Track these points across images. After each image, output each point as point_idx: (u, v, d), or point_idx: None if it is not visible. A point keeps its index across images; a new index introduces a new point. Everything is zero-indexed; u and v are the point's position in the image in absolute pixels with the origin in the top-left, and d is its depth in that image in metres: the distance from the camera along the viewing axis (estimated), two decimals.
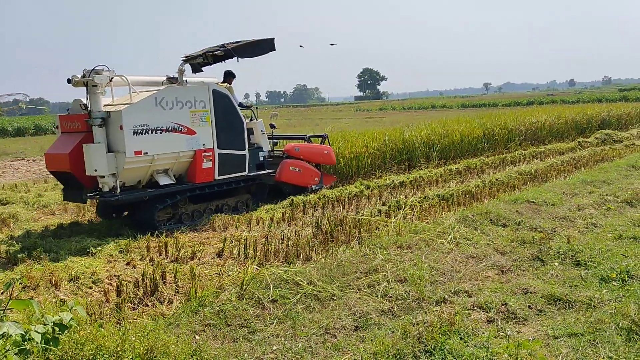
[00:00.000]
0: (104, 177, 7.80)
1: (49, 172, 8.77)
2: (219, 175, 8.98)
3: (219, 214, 8.68)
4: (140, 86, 8.74)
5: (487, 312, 4.75)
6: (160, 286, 5.50)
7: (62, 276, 5.80)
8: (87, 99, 7.92)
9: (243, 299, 5.03)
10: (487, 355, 3.83)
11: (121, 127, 7.71)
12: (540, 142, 18.34)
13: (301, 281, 5.34)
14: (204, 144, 8.70)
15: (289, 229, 7.81)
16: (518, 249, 6.52)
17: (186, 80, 8.87)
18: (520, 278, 5.61)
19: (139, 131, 7.87)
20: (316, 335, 4.42)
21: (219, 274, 5.95)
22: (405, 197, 9.83)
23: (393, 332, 4.40)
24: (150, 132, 8.00)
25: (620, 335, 4.04)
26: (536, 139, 18.49)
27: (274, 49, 9.78)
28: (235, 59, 9.27)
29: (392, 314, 4.80)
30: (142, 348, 3.60)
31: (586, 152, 15.42)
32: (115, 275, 6.02)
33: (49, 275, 5.77)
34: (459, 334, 4.22)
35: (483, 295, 5.13)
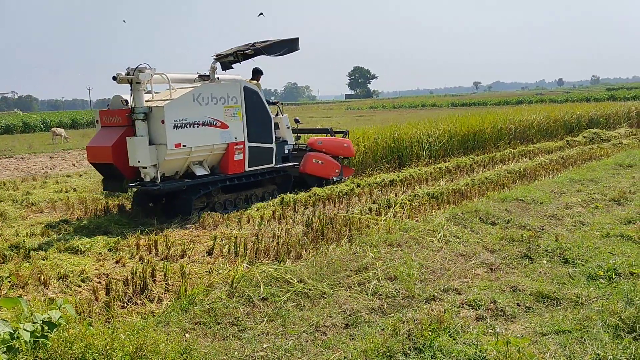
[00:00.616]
0: (146, 167, 8.39)
1: (90, 164, 9.27)
2: (248, 167, 9.63)
3: (209, 212, 8.67)
4: (174, 83, 9.23)
5: (476, 310, 4.78)
6: (150, 284, 5.48)
7: (51, 274, 5.76)
8: (130, 95, 8.54)
9: (233, 297, 5.02)
10: (476, 352, 3.85)
11: (163, 122, 8.30)
12: (529, 141, 18.47)
13: (291, 279, 5.34)
14: (235, 138, 9.32)
15: (279, 227, 7.81)
16: (507, 247, 6.56)
17: (218, 77, 9.63)
18: (509, 276, 5.65)
19: (178, 125, 8.48)
20: (306, 333, 4.43)
21: (210, 272, 5.93)
22: (396, 195, 9.86)
23: (383, 329, 4.42)
24: (188, 126, 8.63)
25: (608, 332, 4.08)
26: (525, 137, 18.62)
27: (298, 48, 10.52)
28: (252, 57, 10.01)
29: (382, 312, 4.81)
30: (131, 346, 3.59)
31: (574, 151, 15.55)
32: (104, 274, 5.99)
33: (38, 274, 5.74)
34: (449, 332, 4.25)
35: (472, 292, 5.17)
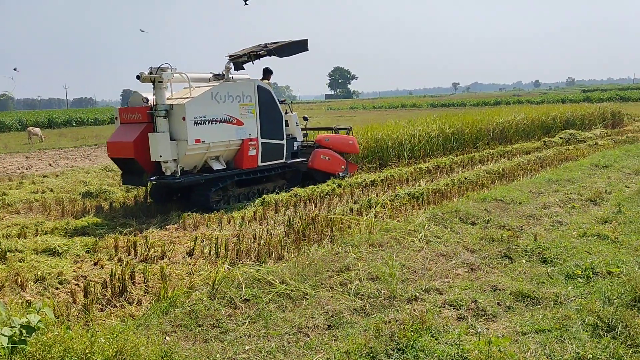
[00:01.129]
0: (167, 162, 8.94)
1: (111, 159, 9.93)
2: (261, 162, 10.19)
3: (189, 212, 8.61)
4: (180, 82, 9.72)
5: (458, 310, 4.81)
6: (129, 287, 5.41)
7: (28, 276, 5.64)
8: (153, 93, 9.02)
9: (215, 298, 4.98)
10: (458, 352, 3.88)
11: (184, 118, 8.84)
12: (508, 142, 18.69)
13: (273, 280, 5.31)
14: (250, 134, 9.89)
15: (260, 228, 7.77)
16: (487, 247, 6.62)
17: (232, 77, 10.20)
18: (490, 275, 5.70)
19: (198, 122, 9.01)
20: (289, 335, 4.41)
21: (190, 274, 5.88)
22: (377, 195, 9.89)
23: (365, 330, 4.42)
24: (207, 122, 9.17)
25: (587, 331, 4.14)
26: (504, 138, 18.83)
27: (307, 49, 11.17)
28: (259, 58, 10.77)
29: (365, 312, 4.82)
30: (111, 350, 3.52)
31: (551, 152, 15.77)
32: (82, 276, 5.89)
33: (15, 276, 5.61)
34: (431, 332, 4.27)
35: (453, 292, 5.20)
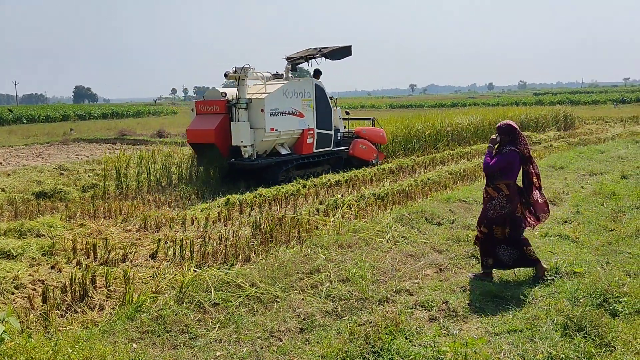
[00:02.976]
0: (246, 146, 10.89)
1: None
2: (315, 149, 12.23)
3: (149, 212, 8.36)
4: (250, 80, 11.49)
5: (429, 311, 4.81)
6: (90, 291, 5.17)
7: None
8: (237, 89, 10.94)
9: (182, 303, 4.81)
10: (433, 354, 3.86)
11: (262, 110, 10.78)
12: (466, 143, 19.02)
13: (243, 283, 5.19)
14: (308, 125, 11.93)
15: (225, 229, 7.60)
16: (454, 247, 6.67)
17: (292, 76, 12.35)
18: (458, 276, 5.74)
19: (273, 113, 10.99)
20: (261, 339, 4.30)
21: (155, 277, 5.68)
22: (342, 195, 9.86)
23: (339, 333, 4.36)
24: (279, 114, 11.15)
25: (557, 330, 4.20)
26: (462, 139, 19.15)
27: (351, 54, 13.26)
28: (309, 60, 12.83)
29: (337, 315, 4.76)
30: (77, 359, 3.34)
31: None
32: (39, 280, 5.59)
33: None
34: (404, 334, 4.24)
35: (424, 293, 5.21)
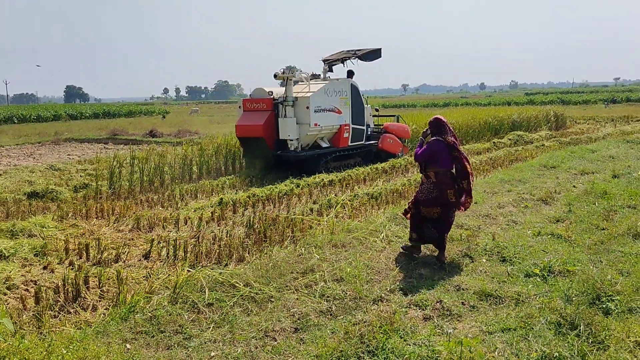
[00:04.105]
0: (292, 140, 12.24)
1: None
2: (350, 143, 13.61)
3: (142, 212, 8.32)
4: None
5: (424, 310, 4.82)
6: (83, 292, 5.15)
7: None
8: (285, 88, 12.31)
9: (177, 303, 4.80)
10: (428, 353, 3.87)
11: (307, 107, 12.20)
12: (460, 142, 19.04)
13: (237, 283, 5.18)
14: (345, 121, 13.31)
15: (219, 229, 7.58)
16: (447, 247, 6.67)
17: (329, 75, 14.09)
18: (452, 275, 5.75)
19: (317, 110, 12.42)
20: (255, 339, 4.29)
21: (148, 277, 5.66)
22: (336, 195, 9.86)
23: (333, 332, 4.36)
24: (321, 111, 12.58)
25: (550, 329, 4.22)
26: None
27: (381, 56, 14.79)
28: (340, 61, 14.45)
29: (331, 314, 4.75)
30: None
31: (501, 152, 16.19)
32: (32, 281, 5.56)
33: None
34: (399, 333, 4.24)
35: (418, 292, 5.21)
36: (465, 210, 6.47)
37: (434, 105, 60.52)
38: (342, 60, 14.30)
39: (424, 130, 6.39)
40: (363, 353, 3.93)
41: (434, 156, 6.09)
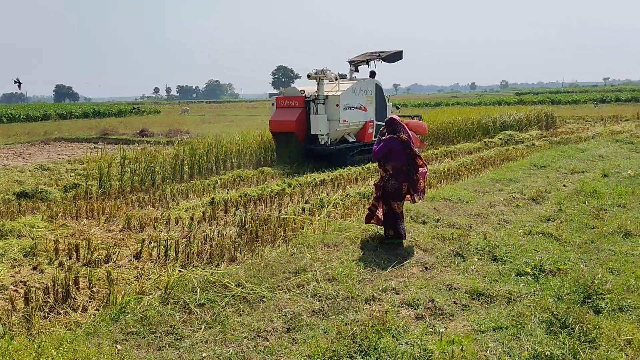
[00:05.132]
0: (323, 135, 13.54)
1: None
2: (374, 137, 14.00)
3: (132, 212, 8.27)
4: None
5: (416, 309, 4.82)
6: (73, 292, 5.10)
7: None
8: (317, 87, 13.60)
9: (168, 303, 4.77)
10: (420, 352, 3.87)
11: (337, 105, 13.48)
12: (450, 142, 19.14)
13: (229, 283, 5.15)
14: (370, 117, 14.54)
15: (211, 229, 7.55)
16: (439, 246, 6.70)
17: (355, 76, 15.50)
18: (444, 274, 5.77)
19: (346, 107, 13.66)
20: (247, 339, 4.28)
21: (139, 278, 5.62)
22: (327, 195, 9.85)
23: (326, 332, 4.35)
24: (350, 108, 13.82)
25: (542, 327, 4.24)
26: (446, 138, 19.27)
27: (402, 58, 16.07)
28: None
29: (323, 314, 4.75)
30: None
31: (492, 152, 16.27)
32: (21, 281, 5.51)
33: None
34: (391, 332, 4.25)
35: (410, 292, 5.22)
36: (415, 202, 7.06)
37: (425, 104, 60.65)
38: (367, 62, 15.57)
39: (381, 129, 7.03)
40: (355, 353, 3.93)
41: (390, 152, 6.70)
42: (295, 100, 13.96)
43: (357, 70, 15.59)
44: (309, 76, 13.40)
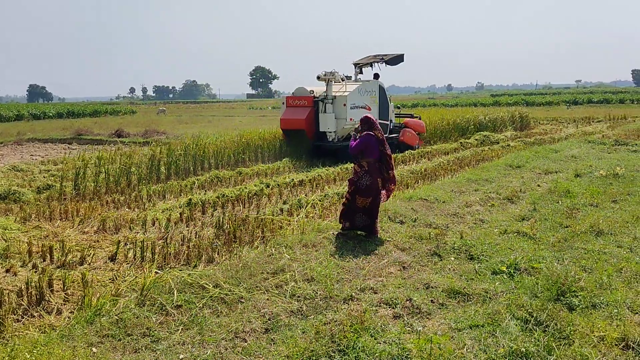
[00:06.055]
0: (331, 132, 14.60)
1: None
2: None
3: (107, 213, 8.15)
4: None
5: (394, 308, 4.85)
6: (47, 295, 5.01)
7: None
8: (326, 88, 14.71)
9: (144, 305, 4.71)
10: (399, 351, 3.89)
11: (344, 104, 14.55)
12: (427, 143, 19.29)
13: (207, 284, 5.12)
14: (373, 116, 13.84)
15: (188, 230, 7.49)
16: (416, 245, 6.75)
17: (359, 77, 16.58)
18: (421, 273, 5.81)
19: (352, 107, 14.69)
20: (225, 341, 4.25)
21: (114, 280, 5.55)
22: (306, 195, 9.85)
23: (304, 332, 4.35)
24: (355, 108, 14.81)
25: (517, 325, 4.30)
26: (423, 139, 19.41)
27: (404, 61, 17.16)
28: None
29: (302, 314, 4.74)
30: None
31: (468, 152, 16.46)
32: None
33: None
34: (370, 331, 4.26)
35: (388, 291, 5.25)
36: (387, 199, 7.28)
37: (402, 105, 60.81)
38: (371, 64, 16.73)
39: (356, 127, 7.32)
40: (334, 352, 3.94)
41: (366, 148, 6.96)
42: (305, 99, 14.97)
43: (361, 72, 16.74)
44: (318, 78, 14.40)
